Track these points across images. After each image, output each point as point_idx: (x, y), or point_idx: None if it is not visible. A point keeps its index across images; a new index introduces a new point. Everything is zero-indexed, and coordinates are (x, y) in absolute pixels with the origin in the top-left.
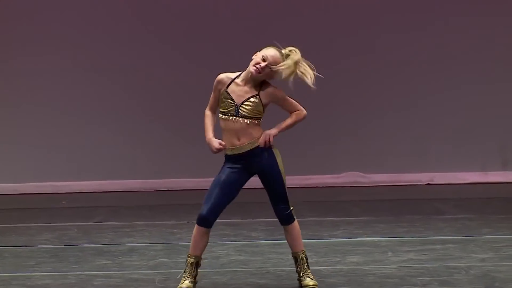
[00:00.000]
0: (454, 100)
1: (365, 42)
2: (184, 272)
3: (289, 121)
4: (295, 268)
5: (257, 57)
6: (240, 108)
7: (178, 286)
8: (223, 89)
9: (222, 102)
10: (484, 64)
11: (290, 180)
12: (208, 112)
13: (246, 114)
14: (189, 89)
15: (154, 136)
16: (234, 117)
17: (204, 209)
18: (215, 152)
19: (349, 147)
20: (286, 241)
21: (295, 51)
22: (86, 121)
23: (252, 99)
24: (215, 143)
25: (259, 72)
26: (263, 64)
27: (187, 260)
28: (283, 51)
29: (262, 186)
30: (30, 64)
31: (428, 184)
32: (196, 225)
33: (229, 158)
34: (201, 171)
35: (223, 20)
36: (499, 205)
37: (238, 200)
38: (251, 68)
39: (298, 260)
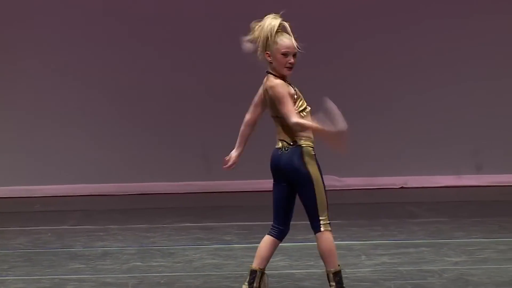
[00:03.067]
0: (428, 103)
1: (338, 45)
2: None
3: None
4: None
5: (289, 53)
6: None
7: None
8: (292, 91)
9: (299, 102)
10: (458, 68)
11: (261, 184)
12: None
13: None
14: (163, 93)
15: (128, 140)
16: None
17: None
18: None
19: (323, 150)
20: (258, 245)
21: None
22: (61, 125)
23: None
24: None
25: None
26: (294, 60)
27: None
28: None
29: (238, 190)
30: (2, 67)
31: (402, 187)
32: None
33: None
34: (175, 175)
35: (199, 23)
36: (472, 208)
37: (212, 204)
38: (285, 71)
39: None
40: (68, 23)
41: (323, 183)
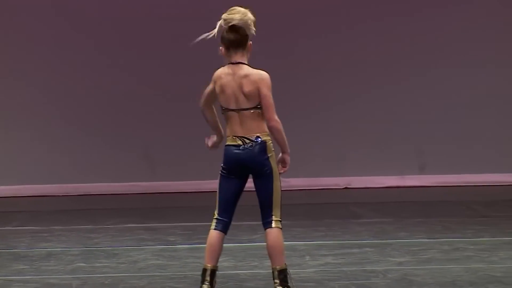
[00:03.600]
0: (371, 103)
1: (281, 45)
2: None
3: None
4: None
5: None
6: None
7: None
8: None
9: None
10: (399, 68)
11: (205, 185)
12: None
13: None
14: (106, 93)
15: (72, 141)
16: None
17: None
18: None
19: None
20: (203, 246)
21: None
22: (3, 125)
23: None
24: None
25: None
26: None
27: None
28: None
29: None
30: None
31: (345, 188)
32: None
33: None
34: (118, 176)
35: (142, 23)
36: (415, 209)
37: (155, 205)
38: None
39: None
40: (8, 23)
41: (279, 178)
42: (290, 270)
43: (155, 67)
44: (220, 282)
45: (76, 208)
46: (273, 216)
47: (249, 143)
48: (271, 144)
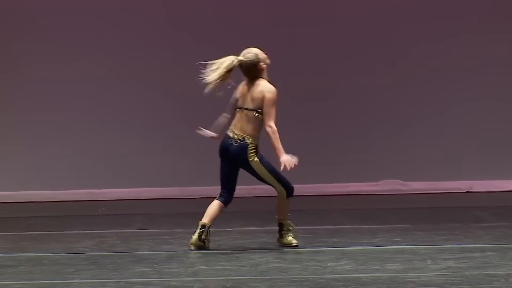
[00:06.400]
0: (491, 106)
1: (397, 50)
2: (288, 231)
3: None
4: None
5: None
6: None
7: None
8: None
9: None
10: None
11: (328, 188)
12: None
13: None
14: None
15: (192, 143)
16: None
17: (290, 182)
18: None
19: (387, 154)
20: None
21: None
22: (124, 129)
23: None
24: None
25: None
26: None
27: (286, 223)
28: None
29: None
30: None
31: (467, 192)
32: (288, 198)
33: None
34: (240, 179)
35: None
36: None
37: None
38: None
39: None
40: (42, 26)
41: (267, 165)
42: (412, 274)
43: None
44: (342, 285)
45: (198, 211)
46: (277, 188)
47: (237, 139)
48: (254, 146)
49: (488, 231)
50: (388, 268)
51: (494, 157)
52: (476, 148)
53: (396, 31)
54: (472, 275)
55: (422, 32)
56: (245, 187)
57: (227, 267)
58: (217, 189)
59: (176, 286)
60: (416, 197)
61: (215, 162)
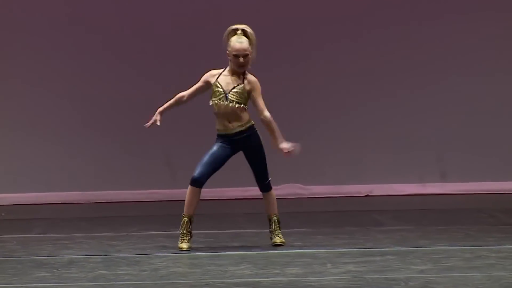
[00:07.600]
0: (392, 109)
1: (301, 52)
2: (181, 231)
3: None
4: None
5: (240, 53)
6: (229, 95)
7: (178, 246)
8: (214, 81)
9: (214, 91)
10: (421, 74)
11: (229, 192)
12: (179, 94)
13: (234, 100)
14: (128, 100)
15: (93, 147)
16: (224, 103)
17: (196, 172)
18: (148, 124)
19: (287, 158)
20: (224, 253)
21: (251, 33)
22: (23, 132)
23: (238, 87)
24: (155, 115)
25: (244, 66)
26: (244, 60)
27: (182, 219)
28: (239, 32)
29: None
30: None
31: (367, 195)
32: (189, 186)
33: (221, 137)
34: (139, 183)
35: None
36: (437, 216)
37: (177, 212)
38: (236, 67)
39: (271, 221)
40: (27, 31)
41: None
42: (312, 278)
43: (175, 75)
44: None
45: (98, 216)
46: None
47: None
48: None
49: (388, 234)
50: (288, 272)
51: (393, 160)
52: (376, 152)
53: (300, 34)
54: (372, 279)
55: (320, 35)
56: (145, 192)
57: (128, 272)
58: (117, 193)
59: None
60: (317, 201)
61: (117, 167)
